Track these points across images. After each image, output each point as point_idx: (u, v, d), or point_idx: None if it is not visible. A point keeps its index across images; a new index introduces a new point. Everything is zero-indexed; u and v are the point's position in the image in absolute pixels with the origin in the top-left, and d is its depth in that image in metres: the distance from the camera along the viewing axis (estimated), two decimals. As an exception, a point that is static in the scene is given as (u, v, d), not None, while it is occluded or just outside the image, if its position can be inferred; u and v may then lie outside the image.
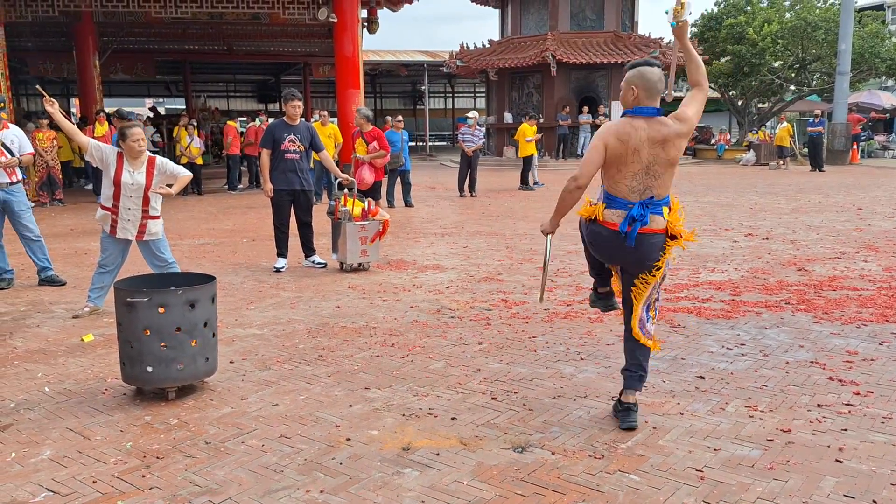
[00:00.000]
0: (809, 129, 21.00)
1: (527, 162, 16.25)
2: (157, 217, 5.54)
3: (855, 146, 23.70)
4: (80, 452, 3.27)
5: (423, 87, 34.71)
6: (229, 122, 16.93)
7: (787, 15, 27.31)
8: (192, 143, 15.65)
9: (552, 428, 3.46)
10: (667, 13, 3.51)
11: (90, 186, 16.10)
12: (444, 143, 41.06)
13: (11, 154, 6.63)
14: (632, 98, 3.36)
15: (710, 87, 31.60)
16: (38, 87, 6.16)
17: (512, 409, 3.70)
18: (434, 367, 4.38)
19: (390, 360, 4.51)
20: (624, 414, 3.47)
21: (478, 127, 15.12)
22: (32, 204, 6.98)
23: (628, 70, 3.41)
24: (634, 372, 3.50)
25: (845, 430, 3.38)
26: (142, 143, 5.34)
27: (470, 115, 15.40)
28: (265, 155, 7.26)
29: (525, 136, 15.97)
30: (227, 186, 16.85)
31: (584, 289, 6.18)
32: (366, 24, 16.72)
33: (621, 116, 3.43)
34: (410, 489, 2.90)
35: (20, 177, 6.79)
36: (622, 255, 3.45)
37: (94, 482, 2.99)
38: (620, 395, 3.54)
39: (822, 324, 5.14)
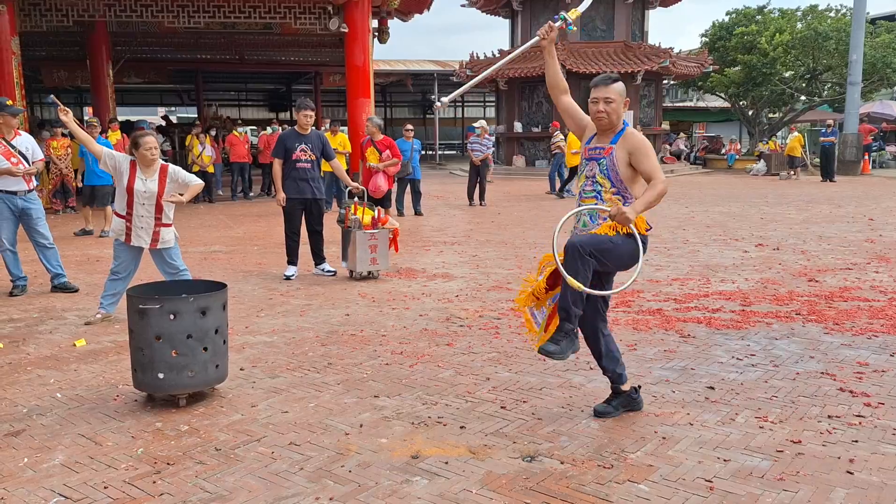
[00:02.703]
0: (822, 139, 20.92)
1: (572, 172, 15.60)
2: (170, 225, 5.58)
3: (866, 156, 23.58)
4: (91, 458, 3.30)
5: (433, 97, 34.82)
6: (234, 132, 17.01)
7: (799, 25, 27.27)
8: (204, 151, 15.75)
9: (561, 437, 3.46)
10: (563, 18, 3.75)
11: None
12: (454, 153, 41.12)
13: (26, 160, 6.70)
14: (623, 109, 3.57)
15: (720, 96, 31.59)
16: (52, 96, 6.24)
17: (521, 419, 3.70)
18: (443, 375, 4.39)
19: (399, 369, 4.52)
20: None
21: (486, 136, 15.13)
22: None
23: (616, 83, 3.59)
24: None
25: (856, 441, 3.37)
26: (154, 152, 5.40)
27: (478, 124, 15.43)
28: (277, 164, 7.31)
29: (571, 147, 15.37)
30: (240, 195, 16.92)
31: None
32: (376, 34, 16.80)
33: (632, 126, 3.56)
34: (419, 497, 2.91)
35: (35, 184, 6.87)
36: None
37: (105, 488, 3.01)
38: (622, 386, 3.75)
39: (832, 335, 5.12)
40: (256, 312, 6.01)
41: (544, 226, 11.36)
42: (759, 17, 28.24)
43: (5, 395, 4.12)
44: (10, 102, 6.83)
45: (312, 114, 7.37)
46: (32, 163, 6.78)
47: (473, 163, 14.71)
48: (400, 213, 12.80)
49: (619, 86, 3.58)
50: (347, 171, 10.31)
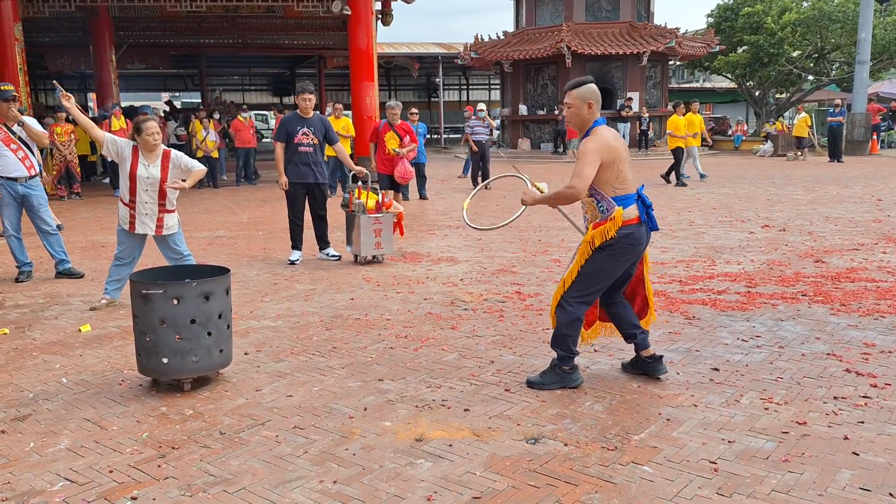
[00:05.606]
0: (830, 119, 20.74)
1: (676, 154, 14.79)
2: (173, 211, 5.58)
3: (875, 136, 23.39)
4: (96, 442, 3.31)
5: (437, 80, 34.66)
6: (239, 118, 16.94)
7: (805, 4, 26.95)
8: (208, 136, 15.73)
9: (565, 419, 3.46)
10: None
11: (107, 180, 16.25)
12: (459, 136, 40.99)
13: (28, 147, 6.69)
14: (587, 111, 3.71)
15: (727, 77, 31.33)
16: (55, 82, 6.21)
17: (525, 401, 3.70)
18: (447, 358, 4.38)
19: (404, 352, 4.52)
20: (657, 363, 3.94)
21: (476, 118, 14.91)
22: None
23: (576, 88, 3.76)
24: (645, 333, 4.01)
25: (862, 422, 3.35)
26: (156, 137, 5.38)
27: (480, 106, 15.34)
28: (279, 148, 7.28)
29: (672, 128, 14.75)
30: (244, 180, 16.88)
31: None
32: (380, 16, 16.68)
33: (601, 126, 3.76)
34: (423, 480, 2.91)
35: (38, 170, 6.86)
36: (646, 244, 3.83)
37: (110, 472, 3.03)
38: (643, 351, 3.97)
39: (839, 316, 5.10)
40: (261, 297, 6.02)
41: (549, 210, 11.32)
42: (765, -3, 27.96)
43: (11, 381, 4.14)
44: (6, 87, 6.70)
45: (312, 97, 7.32)
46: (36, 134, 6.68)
47: (478, 144, 14.58)
48: (405, 196, 12.77)
49: (579, 90, 3.76)
50: (351, 155, 10.31)
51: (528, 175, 4.28)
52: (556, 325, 3.87)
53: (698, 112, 15.48)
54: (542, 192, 4.03)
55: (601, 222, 3.70)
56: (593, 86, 3.79)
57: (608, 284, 3.83)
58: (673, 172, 14.89)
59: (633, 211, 3.71)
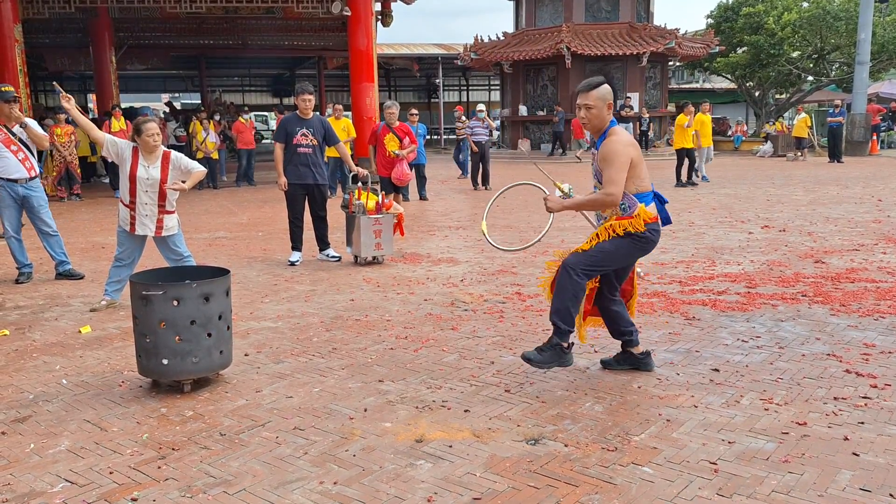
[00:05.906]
0: (830, 119, 20.74)
1: (680, 155, 14.77)
2: (173, 212, 5.58)
3: (875, 137, 23.39)
4: (97, 444, 3.31)
5: (437, 81, 34.66)
6: (240, 119, 16.94)
7: (805, 4, 26.96)
8: (208, 137, 15.74)
9: (565, 420, 3.46)
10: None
11: (108, 181, 16.25)
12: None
13: (28, 149, 6.70)
14: (607, 112, 3.74)
15: (727, 77, 31.38)
16: (55, 83, 6.21)
17: (525, 402, 3.70)
18: (447, 359, 4.38)
19: (404, 353, 4.52)
20: (649, 358, 4.09)
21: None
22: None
23: (595, 89, 3.74)
24: (636, 330, 4.10)
25: (862, 423, 3.35)
26: (156, 138, 5.38)
27: (479, 107, 15.34)
28: (279, 149, 7.28)
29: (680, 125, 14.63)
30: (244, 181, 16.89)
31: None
32: (380, 17, 16.69)
33: (616, 126, 3.80)
34: (423, 481, 2.91)
35: (38, 171, 6.86)
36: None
37: (110, 473, 3.03)
38: (634, 349, 4.08)
39: (839, 316, 5.09)
40: (261, 298, 6.02)
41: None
42: (766, -3, 27.98)
43: (12, 382, 4.15)
44: (7, 88, 6.70)
45: (311, 98, 7.32)
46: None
47: (477, 145, 14.60)
48: (405, 197, 12.77)
49: (600, 91, 3.73)
50: (352, 155, 10.30)
51: (547, 174, 4.33)
52: (557, 293, 3.77)
53: (706, 113, 15.47)
54: (565, 193, 3.99)
55: (625, 217, 3.76)
56: (608, 85, 3.79)
57: (612, 268, 3.89)
58: (678, 172, 14.80)
59: (653, 209, 3.80)
